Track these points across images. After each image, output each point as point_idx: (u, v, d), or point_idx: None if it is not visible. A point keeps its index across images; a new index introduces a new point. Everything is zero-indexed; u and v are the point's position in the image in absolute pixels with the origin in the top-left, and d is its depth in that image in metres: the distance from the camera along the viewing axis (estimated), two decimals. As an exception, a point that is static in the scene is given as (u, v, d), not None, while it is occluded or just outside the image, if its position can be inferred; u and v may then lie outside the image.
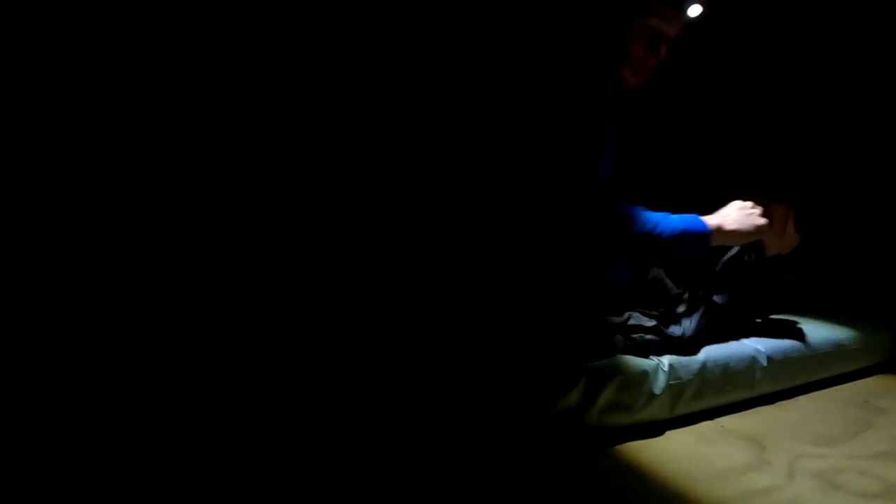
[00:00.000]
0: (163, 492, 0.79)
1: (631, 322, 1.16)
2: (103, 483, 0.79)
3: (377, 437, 0.92)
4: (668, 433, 1.08)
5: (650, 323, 1.18)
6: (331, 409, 0.94)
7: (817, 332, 1.41)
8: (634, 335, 1.15)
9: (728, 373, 1.19)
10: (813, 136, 2.24)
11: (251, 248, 1.24)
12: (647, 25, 1.19)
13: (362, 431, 0.92)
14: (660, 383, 1.09)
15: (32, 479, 0.79)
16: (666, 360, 1.12)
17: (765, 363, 1.24)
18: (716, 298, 1.24)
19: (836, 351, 1.40)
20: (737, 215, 1.22)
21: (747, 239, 1.22)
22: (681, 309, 1.23)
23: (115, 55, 1.20)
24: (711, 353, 1.19)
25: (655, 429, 1.08)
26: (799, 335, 1.36)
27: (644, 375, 1.08)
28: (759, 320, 1.40)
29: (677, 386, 1.11)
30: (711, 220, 1.20)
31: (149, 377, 1.01)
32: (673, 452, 1.00)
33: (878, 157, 2.18)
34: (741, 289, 1.25)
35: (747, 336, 1.30)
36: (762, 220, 1.21)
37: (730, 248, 1.26)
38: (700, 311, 1.22)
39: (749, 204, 1.23)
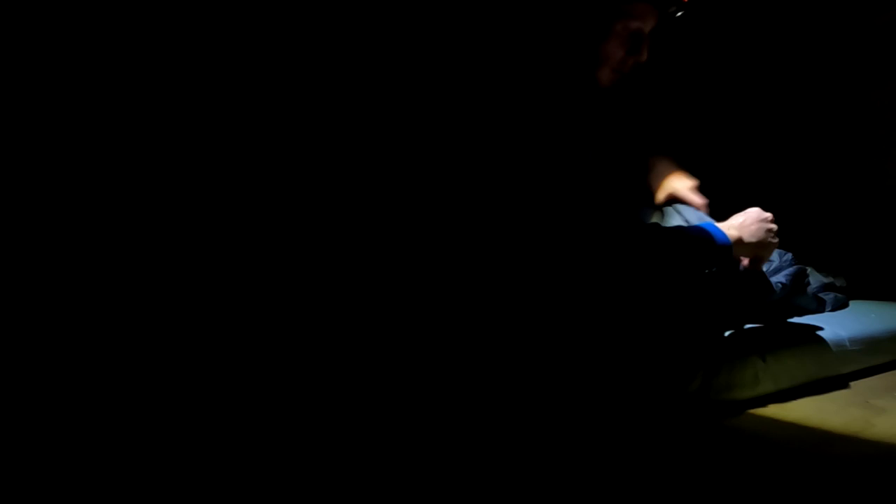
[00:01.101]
0: (163, 492, 0.79)
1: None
2: (103, 483, 0.79)
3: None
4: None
5: None
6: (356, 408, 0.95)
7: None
8: None
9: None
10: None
11: (251, 248, 1.24)
12: (629, 28, 1.13)
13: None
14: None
15: (32, 479, 0.79)
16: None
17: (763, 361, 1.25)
18: None
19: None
20: (755, 228, 1.16)
21: (756, 253, 1.17)
22: None
23: (115, 55, 1.20)
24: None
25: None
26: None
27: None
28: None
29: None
30: (731, 232, 1.14)
31: (149, 377, 1.01)
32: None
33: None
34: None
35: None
36: (775, 239, 1.18)
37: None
38: None
39: (769, 216, 1.18)
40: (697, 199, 1.30)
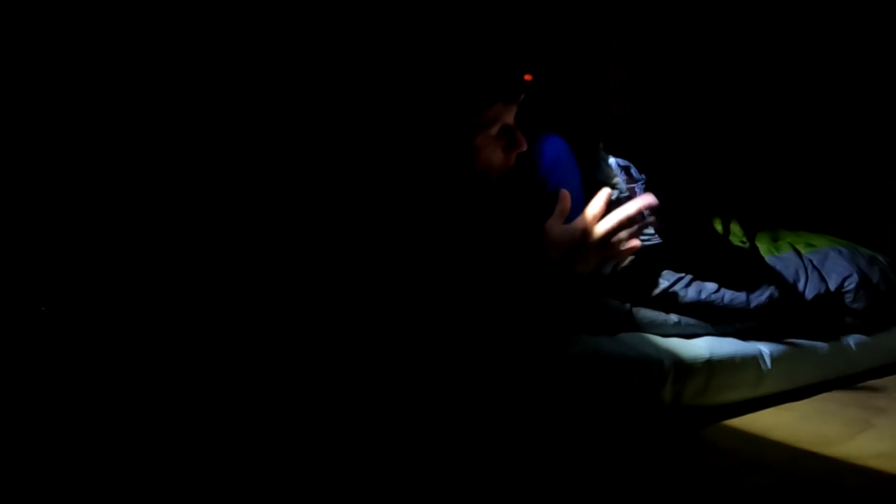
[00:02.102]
0: (163, 492, 0.79)
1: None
2: (103, 483, 0.80)
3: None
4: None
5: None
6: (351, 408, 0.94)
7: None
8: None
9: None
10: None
11: (252, 249, 1.24)
12: (490, 135, 1.04)
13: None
14: None
15: (32, 479, 0.79)
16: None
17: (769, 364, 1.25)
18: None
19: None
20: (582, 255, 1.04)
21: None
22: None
23: (116, 55, 1.20)
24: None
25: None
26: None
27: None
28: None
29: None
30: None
31: (149, 377, 1.01)
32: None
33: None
34: None
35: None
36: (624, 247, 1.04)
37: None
38: None
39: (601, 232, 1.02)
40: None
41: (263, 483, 0.82)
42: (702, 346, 1.20)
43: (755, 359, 1.23)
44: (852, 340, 1.42)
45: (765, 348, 1.26)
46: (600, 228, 0.97)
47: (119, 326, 1.08)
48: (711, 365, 1.16)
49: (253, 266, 1.20)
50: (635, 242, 1.00)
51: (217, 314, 1.11)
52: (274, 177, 1.30)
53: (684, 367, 1.14)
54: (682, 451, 1.04)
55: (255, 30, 1.35)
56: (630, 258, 1.17)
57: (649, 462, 0.99)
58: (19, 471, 0.80)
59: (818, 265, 1.42)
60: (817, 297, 1.35)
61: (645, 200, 0.97)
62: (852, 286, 1.39)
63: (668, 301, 1.25)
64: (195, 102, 1.28)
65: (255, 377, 1.01)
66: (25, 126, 1.14)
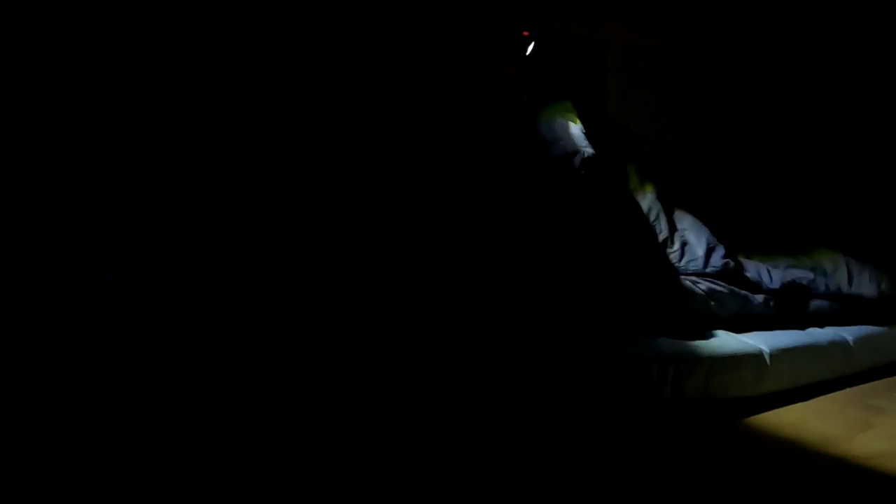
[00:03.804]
0: (163, 492, 0.79)
1: None
2: (103, 483, 0.80)
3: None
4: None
5: None
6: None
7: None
8: None
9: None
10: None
11: (252, 249, 1.24)
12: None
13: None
14: None
15: (32, 479, 0.79)
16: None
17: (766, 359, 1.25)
18: None
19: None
20: None
21: None
22: None
23: (116, 55, 1.20)
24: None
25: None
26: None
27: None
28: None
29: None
30: None
31: (148, 376, 1.01)
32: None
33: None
34: None
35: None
36: None
37: None
38: None
39: None
40: None
41: (263, 483, 0.82)
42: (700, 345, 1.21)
43: (756, 357, 1.24)
44: (852, 340, 1.42)
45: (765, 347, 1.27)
46: None
47: (118, 325, 1.08)
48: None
49: (253, 265, 1.20)
50: None
51: (216, 313, 1.11)
52: (274, 175, 1.29)
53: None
54: (683, 451, 1.05)
55: (267, 23, 1.36)
56: None
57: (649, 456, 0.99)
58: (19, 470, 0.80)
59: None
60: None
61: None
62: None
63: None
64: (196, 102, 1.28)
65: (255, 377, 1.01)
66: (25, 126, 1.14)
